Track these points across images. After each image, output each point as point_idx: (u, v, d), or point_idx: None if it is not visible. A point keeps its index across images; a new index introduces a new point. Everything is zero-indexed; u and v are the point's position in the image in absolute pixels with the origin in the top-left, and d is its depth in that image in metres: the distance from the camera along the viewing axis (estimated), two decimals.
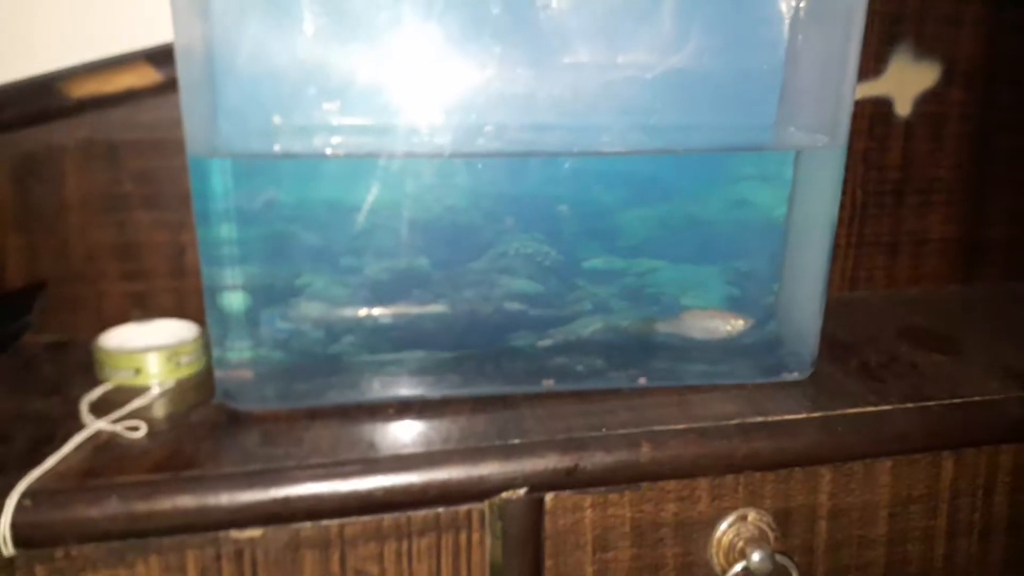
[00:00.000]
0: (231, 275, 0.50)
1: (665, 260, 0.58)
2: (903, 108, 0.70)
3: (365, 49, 0.50)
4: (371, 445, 0.48)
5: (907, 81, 0.70)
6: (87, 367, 0.56)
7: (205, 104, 0.47)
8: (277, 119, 0.50)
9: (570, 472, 0.48)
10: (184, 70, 0.46)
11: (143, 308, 0.61)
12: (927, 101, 0.71)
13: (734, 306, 0.59)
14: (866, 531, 0.54)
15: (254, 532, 0.45)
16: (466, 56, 0.52)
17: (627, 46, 0.55)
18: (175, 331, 0.58)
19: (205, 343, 0.57)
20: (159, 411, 0.51)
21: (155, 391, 0.53)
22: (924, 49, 0.70)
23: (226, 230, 0.50)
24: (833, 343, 0.63)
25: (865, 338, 0.64)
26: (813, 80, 0.56)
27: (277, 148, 0.49)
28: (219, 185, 0.49)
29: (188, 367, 0.55)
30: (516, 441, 0.48)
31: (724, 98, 0.59)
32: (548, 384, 0.54)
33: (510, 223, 0.56)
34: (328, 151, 0.49)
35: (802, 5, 0.56)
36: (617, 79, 0.56)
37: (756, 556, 0.50)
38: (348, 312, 0.55)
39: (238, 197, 0.50)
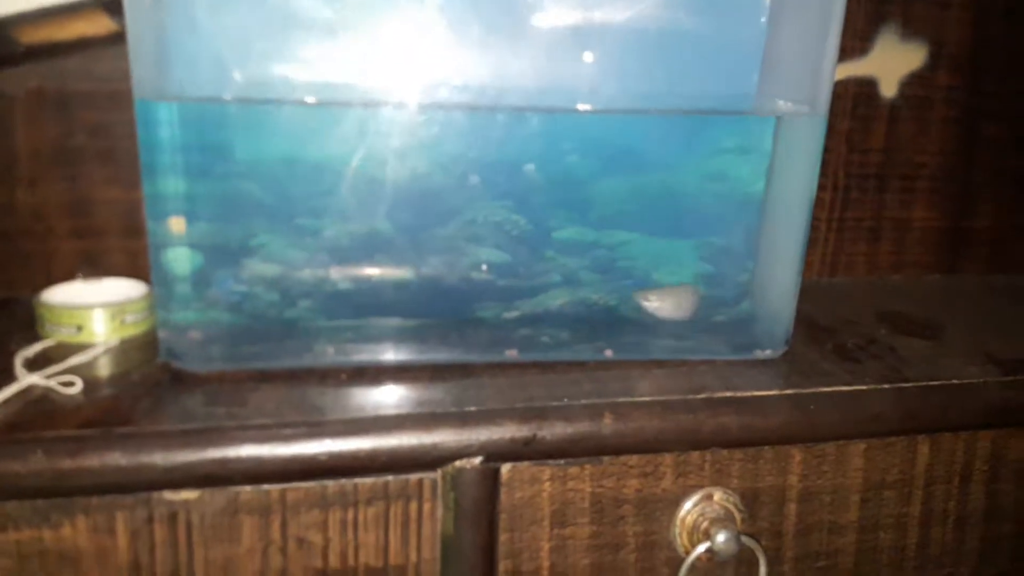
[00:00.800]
0: (178, 231, 0.48)
1: (638, 233, 0.56)
2: (888, 89, 0.69)
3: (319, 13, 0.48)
4: (318, 409, 0.45)
5: (893, 62, 0.68)
6: (29, 324, 0.53)
7: (154, 43, 0.45)
8: (235, 69, 0.48)
9: (528, 442, 0.45)
10: (132, 4, 0.43)
11: (93, 266, 0.58)
12: (913, 84, 0.69)
13: (707, 282, 0.57)
14: (837, 516, 0.52)
15: (189, 494, 0.43)
16: (434, 8, 0.50)
17: (604, 4, 0.53)
18: (123, 290, 0.55)
19: (153, 302, 0.54)
20: (100, 369, 0.49)
21: (97, 349, 0.51)
22: (911, 30, 0.68)
23: (174, 183, 0.48)
24: (810, 325, 0.61)
25: (843, 321, 0.62)
26: (795, 49, 0.54)
27: (229, 95, 0.47)
28: (168, 133, 0.46)
29: (134, 326, 0.53)
30: (472, 408, 0.46)
31: (704, 64, 0.57)
32: (511, 354, 0.52)
33: (478, 189, 0.54)
34: (282, 98, 0.47)
35: None
36: (593, 38, 0.53)
37: (721, 537, 0.47)
38: (304, 275, 0.52)
39: (188, 148, 0.47)
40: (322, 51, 0.48)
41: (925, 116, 0.70)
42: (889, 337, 0.59)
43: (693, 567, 0.48)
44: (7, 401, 0.44)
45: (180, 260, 0.49)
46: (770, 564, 0.50)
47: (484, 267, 0.52)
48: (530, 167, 0.52)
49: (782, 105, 0.54)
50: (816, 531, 0.52)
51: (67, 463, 0.41)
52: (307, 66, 0.48)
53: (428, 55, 0.50)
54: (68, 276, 0.58)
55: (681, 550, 0.49)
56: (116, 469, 0.41)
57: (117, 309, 0.52)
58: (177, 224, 0.47)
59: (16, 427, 0.42)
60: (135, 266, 0.59)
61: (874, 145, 0.70)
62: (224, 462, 0.42)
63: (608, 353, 0.53)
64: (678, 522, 0.49)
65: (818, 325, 0.61)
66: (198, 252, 0.49)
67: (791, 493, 0.51)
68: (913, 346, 0.58)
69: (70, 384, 0.46)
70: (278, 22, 0.48)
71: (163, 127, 0.46)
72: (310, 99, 0.48)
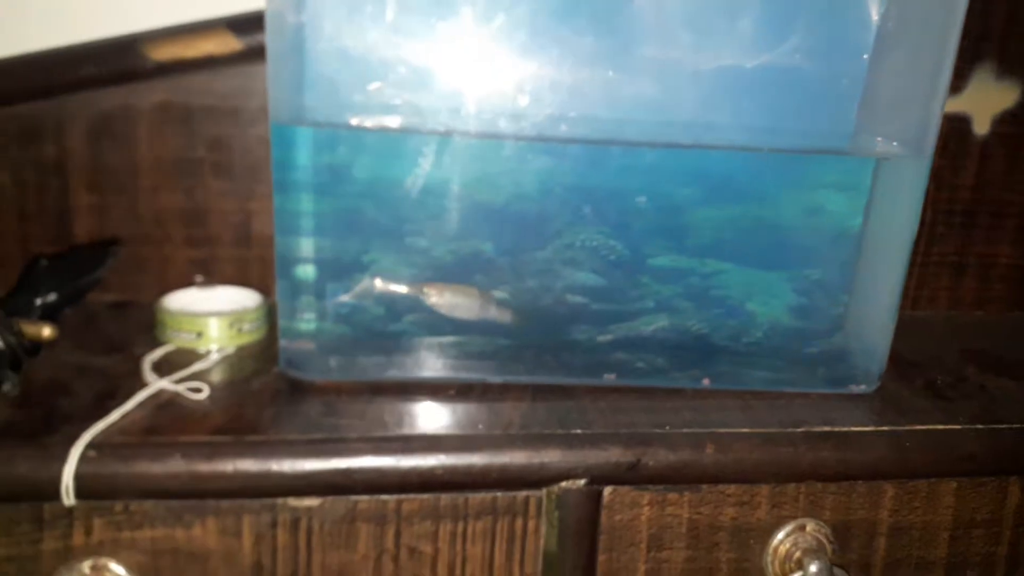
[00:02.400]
0: (304, 246, 0.50)
1: (733, 263, 0.57)
2: (981, 127, 0.69)
3: (453, 30, 0.50)
4: (433, 423, 0.47)
5: (987, 100, 0.68)
6: (148, 327, 0.56)
7: (292, 72, 0.47)
8: (358, 94, 0.50)
9: (632, 467, 0.47)
10: (273, 35, 0.46)
11: (206, 274, 0.61)
12: (1006, 122, 0.69)
13: (800, 314, 0.58)
14: (926, 552, 0.52)
15: (312, 501, 0.45)
16: (551, 43, 0.52)
17: (710, 41, 0.55)
18: (238, 298, 0.58)
19: (267, 311, 0.57)
20: (220, 375, 0.51)
21: (216, 355, 0.53)
22: (1006, 69, 0.68)
23: (303, 200, 0.50)
24: (897, 360, 0.61)
25: (929, 357, 0.63)
26: (899, 90, 0.55)
27: (357, 121, 0.49)
28: (300, 155, 0.48)
29: (249, 334, 0.55)
30: (579, 431, 0.47)
31: (804, 101, 0.58)
32: (610, 378, 0.53)
33: (578, 214, 0.55)
34: (410, 127, 0.49)
35: (892, 14, 0.55)
36: (698, 74, 0.55)
37: (813, 567, 0.48)
38: (415, 292, 0.54)
39: (317, 168, 0.49)
40: (447, 82, 0.50)
41: (1017, 154, 0.70)
42: (978, 376, 0.60)
43: None
44: (141, 404, 0.47)
45: (304, 274, 0.51)
46: None
47: (642, 200, 0.53)
48: (641, 199, 0.54)
49: (886, 146, 0.55)
50: (904, 566, 0.52)
51: (202, 467, 0.43)
52: (433, 95, 0.50)
53: (545, 87, 0.51)
54: (181, 282, 0.60)
55: None
56: (246, 475, 0.44)
57: (235, 318, 0.54)
58: (305, 239, 0.50)
59: (152, 430, 0.45)
60: (244, 274, 0.61)
61: (963, 182, 0.70)
62: (347, 472, 0.44)
63: (706, 382, 0.54)
64: (771, 551, 0.50)
65: (905, 360, 0.62)
66: (319, 267, 0.52)
67: (882, 527, 0.51)
68: (1004, 386, 0.58)
69: (198, 390, 0.48)
70: (407, 55, 0.50)
71: (296, 149, 0.48)
72: (437, 128, 0.50)
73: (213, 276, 0.61)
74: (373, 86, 0.50)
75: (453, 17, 0.50)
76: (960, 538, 0.53)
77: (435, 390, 0.51)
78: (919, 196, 0.53)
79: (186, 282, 0.60)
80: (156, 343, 0.54)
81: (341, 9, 0.48)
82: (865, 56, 0.56)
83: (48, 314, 0.50)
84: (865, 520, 0.51)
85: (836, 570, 0.50)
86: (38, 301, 0.49)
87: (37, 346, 0.47)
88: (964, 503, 0.52)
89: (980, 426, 0.52)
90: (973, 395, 0.56)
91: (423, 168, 0.52)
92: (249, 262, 0.62)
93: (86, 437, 0.43)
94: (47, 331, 0.46)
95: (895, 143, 0.55)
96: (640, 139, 0.54)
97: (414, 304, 0.54)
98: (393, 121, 0.50)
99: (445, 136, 0.50)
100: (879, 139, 0.56)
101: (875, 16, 0.56)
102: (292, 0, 0.46)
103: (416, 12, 0.50)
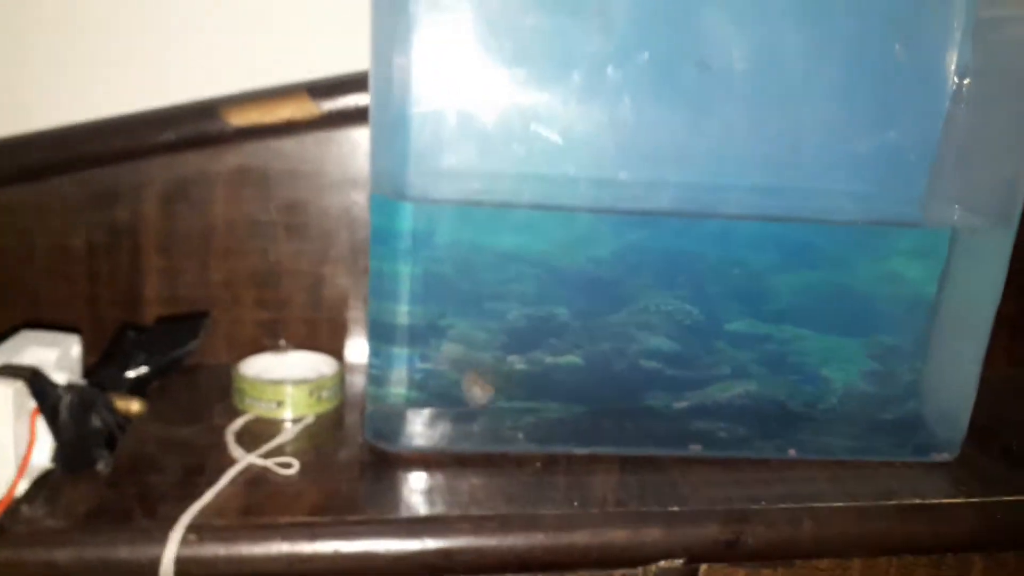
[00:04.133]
0: (398, 312, 0.50)
1: (808, 329, 0.57)
2: None
3: (549, 100, 0.50)
4: (528, 500, 0.47)
5: None
6: (224, 393, 0.55)
7: (398, 145, 0.47)
8: (451, 161, 0.50)
9: (731, 544, 0.46)
10: (378, 109, 0.46)
11: (275, 336, 0.60)
12: None
13: (874, 380, 0.58)
14: None
15: None
16: (633, 114, 0.52)
17: (784, 107, 0.55)
18: (313, 364, 0.57)
19: (343, 378, 0.56)
20: (304, 446, 0.51)
21: (297, 425, 0.53)
22: None
23: (400, 265, 0.50)
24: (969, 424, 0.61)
25: (999, 420, 0.62)
26: (978, 157, 0.55)
27: (449, 194, 0.49)
28: (400, 224, 0.48)
29: (328, 402, 0.55)
30: (677, 509, 0.47)
31: (874, 166, 0.58)
32: (695, 448, 0.53)
33: (654, 278, 0.55)
34: (506, 203, 0.49)
35: (967, 81, 0.56)
36: (771, 138, 0.55)
37: None
38: (487, 357, 0.54)
39: (414, 235, 0.49)
40: (538, 159, 0.50)
41: None
42: None
43: None
44: (231, 481, 0.46)
45: (395, 342, 0.51)
46: None
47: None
48: (708, 267, 0.53)
49: (965, 216, 0.55)
50: None
51: (304, 549, 0.42)
52: (527, 166, 0.50)
53: (635, 157, 0.52)
54: (251, 344, 0.60)
55: None
56: (347, 556, 0.43)
57: (315, 386, 0.54)
58: (399, 305, 0.49)
59: (249, 510, 0.44)
60: (314, 337, 0.61)
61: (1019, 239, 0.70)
62: (447, 553, 0.44)
63: (792, 453, 0.54)
64: None
65: (976, 424, 0.61)
66: (411, 332, 0.51)
67: None
68: None
69: (287, 465, 0.48)
70: (501, 129, 0.50)
71: (397, 221, 0.48)
72: (529, 204, 0.50)
73: (283, 338, 0.61)
74: (451, 160, 0.50)
75: (548, 85, 0.50)
76: None
77: (520, 462, 0.51)
78: (1003, 265, 0.53)
79: (255, 344, 0.60)
80: (235, 411, 0.54)
81: (443, 79, 0.48)
82: (939, 121, 0.57)
83: (136, 388, 0.49)
84: None
85: None
86: (129, 374, 0.48)
87: (126, 421, 0.46)
88: None
89: None
90: None
91: (505, 236, 0.52)
92: (319, 324, 0.61)
93: (184, 519, 0.42)
94: (136, 406, 0.45)
95: (974, 212, 0.55)
96: (719, 205, 0.55)
97: (496, 371, 0.54)
98: (491, 193, 0.49)
99: (538, 210, 0.50)
100: (956, 207, 0.57)
101: (949, 80, 0.56)
102: (399, 75, 0.46)
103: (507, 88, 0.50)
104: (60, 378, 0.44)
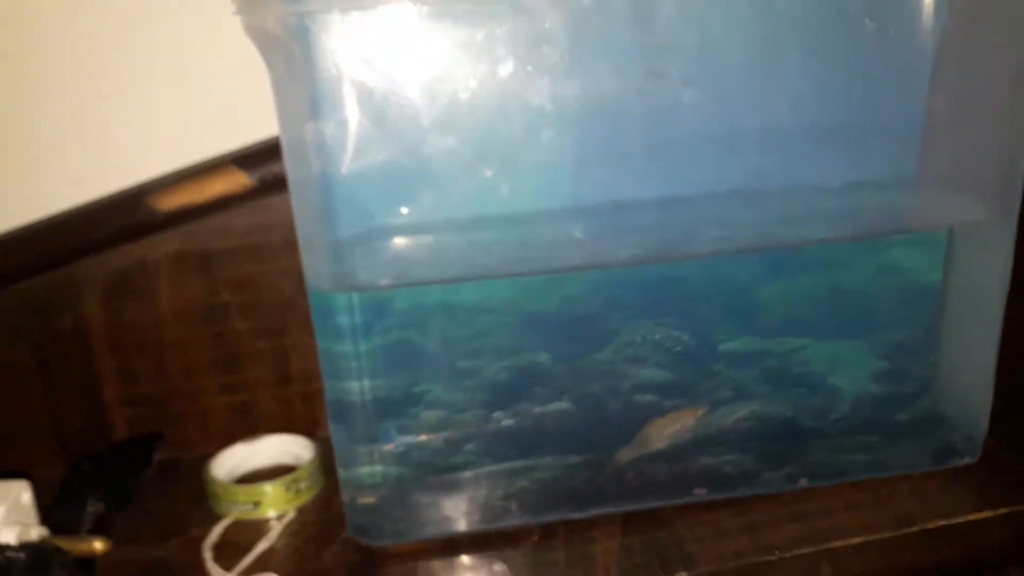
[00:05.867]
0: (355, 390, 0.46)
1: (809, 337, 0.53)
2: None
3: (484, 139, 0.45)
4: None
5: None
6: (199, 497, 0.52)
7: (323, 234, 0.43)
8: (397, 220, 0.45)
9: None
10: (299, 202, 0.42)
11: (249, 419, 0.57)
12: None
13: (886, 380, 0.54)
14: None
15: None
16: (587, 135, 0.47)
17: (751, 98, 0.50)
18: (287, 448, 0.54)
19: (320, 462, 0.53)
20: (286, 551, 0.48)
21: (276, 526, 0.50)
22: None
23: (348, 345, 0.46)
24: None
25: (1019, 405, 0.58)
26: (967, 133, 0.50)
27: (397, 274, 0.45)
28: (341, 307, 0.45)
29: (307, 492, 0.52)
30: (684, 575, 0.44)
31: (858, 150, 0.53)
32: (700, 493, 0.50)
33: (635, 309, 0.51)
34: (452, 278, 0.45)
35: (951, 47, 0.50)
36: (744, 134, 0.50)
37: None
38: (469, 418, 0.51)
39: (362, 309, 0.45)
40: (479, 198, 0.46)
41: None
42: None
43: None
44: None
45: (359, 422, 0.47)
46: None
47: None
48: (692, 287, 0.50)
49: (959, 204, 0.50)
50: None
51: None
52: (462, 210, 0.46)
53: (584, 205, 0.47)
54: (223, 431, 0.57)
55: None
56: None
57: (292, 480, 0.51)
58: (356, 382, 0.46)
59: None
60: (288, 414, 0.58)
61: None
62: None
63: (803, 482, 0.50)
64: None
65: (996, 414, 0.57)
66: (375, 407, 0.48)
67: None
68: None
69: None
70: (435, 188, 0.46)
71: (337, 308, 0.44)
72: (486, 272, 0.46)
73: (256, 419, 0.57)
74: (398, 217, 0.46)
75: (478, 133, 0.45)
76: None
77: (516, 537, 0.48)
78: (1007, 255, 0.49)
79: (228, 429, 0.57)
80: (211, 517, 0.51)
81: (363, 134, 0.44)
82: (922, 94, 0.52)
83: (97, 525, 0.46)
84: None
85: None
86: (86, 514, 0.45)
87: (91, 562, 0.43)
88: None
89: None
90: None
91: (464, 290, 0.49)
92: (291, 400, 0.58)
93: None
94: (99, 546, 0.43)
95: (969, 196, 0.50)
96: (695, 240, 0.50)
97: (471, 431, 0.51)
98: (434, 267, 0.46)
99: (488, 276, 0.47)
100: (944, 189, 0.52)
101: (930, 49, 0.51)
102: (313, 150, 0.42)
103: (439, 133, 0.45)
104: (10, 535, 0.41)
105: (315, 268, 0.43)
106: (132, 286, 0.54)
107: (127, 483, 0.49)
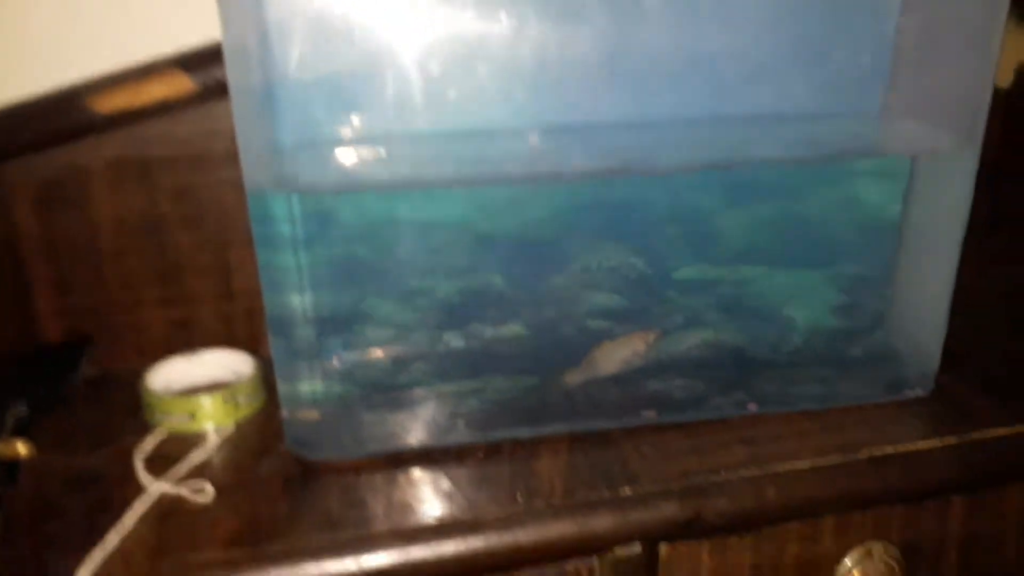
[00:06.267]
0: (297, 303, 0.45)
1: (764, 266, 0.52)
2: (1003, 80, 0.64)
3: (438, 50, 0.43)
4: (467, 500, 0.43)
5: (1010, 48, 0.63)
6: (134, 408, 0.50)
7: (263, 134, 0.41)
8: (344, 131, 0.44)
9: (690, 523, 0.43)
10: (238, 97, 0.40)
11: (188, 334, 0.55)
12: None
13: (840, 314, 0.53)
14: (996, 558, 0.49)
15: None
16: (545, 52, 0.45)
17: (714, 24, 0.49)
18: (228, 364, 0.53)
19: (262, 377, 0.51)
20: (222, 463, 0.46)
21: (213, 438, 0.48)
22: None
23: (290, 254, 0.44)
24: (944, 349, 0.57)
25: (977, 337, 0.58)
26: (934, 64, 0.49)
27: (341, 177, 0.43)
28: (281, 210, 0.43)
29: (246, 407, 0.50)
30: (628, 491, 0.43)
31: (823, 81, 0.52)
32: (649, 415, 0.49)
33: (591, 234, 0.50)
34: (393, 181, 0.43)
35: None
36: (702, 61, 0.49)
37: None
38: (420, 338, 0.49)
39: (304, 218, 0.44)
40: (433, 110, 0.44)
41: None
42: None
43: None
44: (141, 517, 0.42)
45: (300, 335, 0.46)
46: None
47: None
48: (649, 213, 0.48)
49: (924, 134, 0.50)
50: None
51: None
52: (415, 123, 0.44)
53: (545, 104, 0.46)
54: (162, 346, 0.55)
55: None
56: None
57: (230, 392, 0.49)
58: (297, 295, 0.44)
59: (159, 551, 0.40)
60: (230, 330, 0.56)
61: (989, 141, 0.65)
62: (380, 572, 0.40)
63: (752, 407, 0.50)
64: None
65: (951, 348, 0.57)
66: (316, 323, 0.46)
67: (952, 541, 0.48)
68: None
69: (200, 490, 0.43)
70: (384, 81, 0.44)
71: (275, 210, 0.42)
72: (429, 177, 0.45)
73: (196, 335, 0.55)
74: (345, 130, 0.44)
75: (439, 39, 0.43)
76: None
77: (461, 454, 0.47)
78: (968, 187, 0.48)
79: (167, 345, 0.55)
80: (145, 428, 0.49)
81: (311, 39, 0.42)
82: (891, 22, 0.51)
83: (21, 428, 0.44)
84: (934, 535, 0.48)
85: None
86: (8, 416, 0.43)
87: (14, 466, 0.42)
88: None
89: None
90: None
91: (417, 205, 0.47)
92: (235, 317, 0.56)
93: (83, 573, 0.38)
94: (23, 450, 0.41)
95: (934, 126, 0.50)
96: (654, 155, 0.49)
97: (425, 352, 0.49)
98: (381, 171, 0.44)
99: (435, 187, 0.45)
100: (911, 121, 0.51)
101: None
102: (255, 41, 0.40)
103: (393, 36, 0.43)
104: None
105: (253, 168, 0.41)
106: (66, 192, 0.52)
107: (54, 387, 0.47)
